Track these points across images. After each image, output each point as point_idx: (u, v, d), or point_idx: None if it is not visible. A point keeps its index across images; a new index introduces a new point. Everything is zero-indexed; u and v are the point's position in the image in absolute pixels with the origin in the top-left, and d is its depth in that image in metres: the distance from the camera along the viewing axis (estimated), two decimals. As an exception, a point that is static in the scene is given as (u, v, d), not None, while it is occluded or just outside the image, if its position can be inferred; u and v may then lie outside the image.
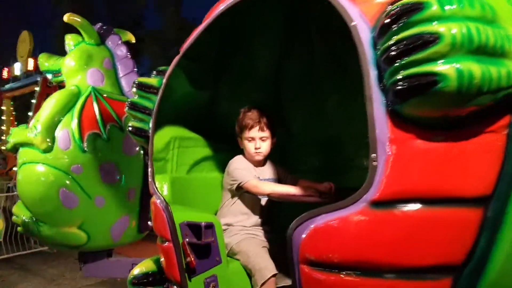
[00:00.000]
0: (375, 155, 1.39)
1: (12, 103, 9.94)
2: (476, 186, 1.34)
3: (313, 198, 2.02)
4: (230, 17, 2.26)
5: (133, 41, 4.98)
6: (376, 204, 1.38)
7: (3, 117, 9.47)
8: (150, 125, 2.21)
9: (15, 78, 9.80)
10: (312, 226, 1.48)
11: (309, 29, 2.86)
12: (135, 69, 4.69)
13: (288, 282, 2.10)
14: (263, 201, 2.46)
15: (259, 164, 2.53)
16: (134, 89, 2.37)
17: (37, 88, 8.74)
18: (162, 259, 2.04)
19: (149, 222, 4.60)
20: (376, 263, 1.39)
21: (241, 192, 2.41)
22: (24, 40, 9.95)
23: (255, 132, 2.41)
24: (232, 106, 2.62)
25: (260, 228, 2.43)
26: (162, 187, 2.26)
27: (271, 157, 2.63)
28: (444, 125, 1.35)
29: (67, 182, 3.89)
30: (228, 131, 2.65)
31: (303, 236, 1.50)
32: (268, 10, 2.63)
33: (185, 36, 2.28)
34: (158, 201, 2.02)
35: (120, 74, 4.58)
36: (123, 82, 4.54)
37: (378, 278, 1.41)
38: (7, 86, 9.76)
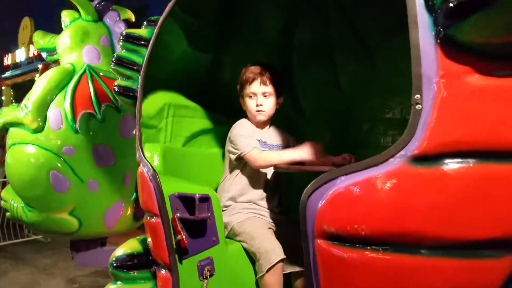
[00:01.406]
0: (419, 96, 1.07)
1: (12, 91, 9.68)
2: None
3: (328, 168, 1.68)
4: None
5: (133, 19, 4.73)
6: (419, 159, 1.06)
7: (3, 104, 9.19)
8: (139, 83, 1.88)
9: (15, 65, 9.55)
10: (332, 190, 1.16)
11: None
12: None
13: (297, 268, 1.78)
14: (270, 174, 2.14)
15: (264, 125, 2.26)
16: (121, 42, 2.04)
17: (37, 75, 8.49)
18: (149, 238, 1.73)
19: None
20: (416, 236, 1.08)
21: (244, 163, 2.10)
22: (25, 27, 9.69)
23: (256, 86, 2.14)
24: (236, 74, 2.30)
25: (267, 207, 2.11)
26: (152, 157, 1.94)
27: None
28: (508, 56, 1.03)
29: (58, 164, 3.64)
30: (232, 102, 2.36)
31: (321, 203, 1.17)
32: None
33: None
34: (144, 169, 1.70)
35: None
36: (121, 61, 4.31)
37: (417, 255, 1.09)
38: (7, 74, 9.50)
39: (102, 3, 4.47)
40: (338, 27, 2.57)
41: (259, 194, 2.10)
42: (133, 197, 4.16)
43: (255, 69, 2.17)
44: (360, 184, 1.12)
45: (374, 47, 2.48)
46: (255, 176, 2.11)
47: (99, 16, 4.37)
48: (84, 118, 3.70)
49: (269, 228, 1.98)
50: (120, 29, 4.42)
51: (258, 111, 2.16)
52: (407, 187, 1.07)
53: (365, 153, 2.45)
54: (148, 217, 1.70)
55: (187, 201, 1.65)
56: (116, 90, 2.00)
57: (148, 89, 1.98)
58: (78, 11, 4.30)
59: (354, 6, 2.46)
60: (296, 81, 2.73)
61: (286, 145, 2.25)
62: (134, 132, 4.00)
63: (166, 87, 2.17)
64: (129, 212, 4.10)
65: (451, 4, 1.00)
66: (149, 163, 1.72)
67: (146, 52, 1.89)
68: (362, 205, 1.12)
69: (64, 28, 4.39)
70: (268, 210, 2.10)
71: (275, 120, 2.32)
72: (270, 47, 2.61)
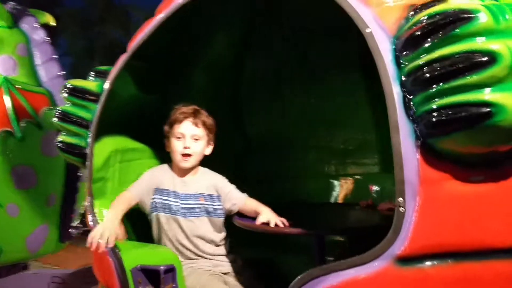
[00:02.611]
0: (402, 199, 1.11)
1: None
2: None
3: (296, 230, 1.69)
4: (186, 11, 1.87)
5: (52, 23, 4.38)
6: (403, 260, 1.11)
7: None
8: (89, 140, 1.74)
9: None
10: (320, 287, 1.18)
11: (269, 25, 2.58)
12: (55, 56, 4.22)
13: None
14: (204, 223, 2.00)
15: (187, 172, 2.05)
16: (65, 95, 1.86)
17: None
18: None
19: (72, 230, 4.21)
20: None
21: (158, 219, 1.98)
22: None
23: (186, 127, 1.98)
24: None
25: (206, 255, 1.99)
26: (101, 214, 1.81)
27: (218, 166, 2.17)
28: (483, 163, 1.11)
29: (-28, 189, 3.37)
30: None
31: (307, 301, 1.19)
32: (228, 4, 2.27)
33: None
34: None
35: (37, 61, 4.03)
36: (41, 71, 4.02)
37: None
38: None
39: (17, 7, 4.14)
40: (287, 59, 2.62)
41: (195, 245, 1.97)
42: (57, 218, 3.93)
43: (187, 109, 2.01)
44: (348, 282, 1.15)
45: (322, 80, 2.58)
46: (182, 229, 1.96)
47: (14, 21, 4.01)
48: (0, 137, 3.41)
49: (212, 275, 1.89)
50: (39, 36, 4.18)
51: (184, 155, 1.98)
52: (394, 287, 1.12)
53: (312, 184, 2.66)
54: (109, 293, 1.60)
55: (150, 273, 1.58)
56: (61, 146, 1.83)
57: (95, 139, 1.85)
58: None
59: (304, 41, 2.54)
60: (244, 112, 2.76)
61: (213, 194, 2.07)
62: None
63: (112, 133, 2.06)
64: (54, 234, 3.91)
65: (433, 119, 1.05)
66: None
67: (95, 107, 1.75)
68: (348, 305, 1.15)
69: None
70: (208, 259, 1.99)
71: (210, 164, 2.16)
72: (219, 80, 2.60)
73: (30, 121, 3.59)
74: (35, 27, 4.10)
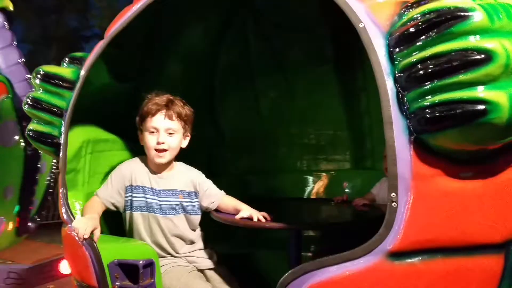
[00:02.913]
0: (394, 194, 1.12)
1: None
2: (503, 229, 1.16)
3: (278, 225, 1.69)
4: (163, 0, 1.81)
5: (11, 8, 4.18)
6: (395, 255, 1.12)
7: None
8: (63, 129, 1.65)
9: None
10: (312, 281, 1.17)
11: (244, 20, 2.59)
12: (14, 42, 4.07)
13: None
14: (178, 220, 1.93)
15: (163, 168, 1.94)
16: (37, 81, 1.75)
17: None
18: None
19: (30, 224, 4.05)
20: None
21: (130, 215, 1.90)
22: None
23: (159, 121, 1.83)
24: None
25: (182, 252, 1.94)
26: (73, 207, 1.73)
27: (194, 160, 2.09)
28: (473, 159, 1.13)
29: None
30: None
31: (299, 295, 1.18)
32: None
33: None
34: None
35: (-4, 48, 3.89)
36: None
37: None
38: None
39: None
40: (260, 55, 2.64)
41: (171, 244, 1.91)
42: (15, 211, 3.83)
43: (160, 100, 1.87)
44: (340, 276, 1.14)
45: (294, 77, 2.64)
46: (161, 227, 1.89)
47: (-30, 6, 3.88)
48: (-46, 127, 3.32)
49: (191, 272, 1.85)
50: (-3, 21, 3.96)
51: (159, 150, 1.85)
52: (385, 282, 1.13)
53: (284, 177, 2.69)
54: (83, 289, 1.53)
55: (128, 268, 1.52)
56: (32, 135, 1.72)
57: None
58: None
59: (278, 36, 2.56)
60: (218, 105, 2.73)
61: (191, 190, 1.98)
62: (16, 138, 3.66)
63: (84, 122, 1.96)
64: (10, 227, 3.84)
65: (427, 116, 1.06)
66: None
67: (70, 95, 1.66)
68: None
69: None
70: (184, 255, 1.93)
71: (182, 157, 2.05)
72: (195, 71, 2.54)
73: (-13, 110, 3.44)
74: (-8, 13, 3.91)
